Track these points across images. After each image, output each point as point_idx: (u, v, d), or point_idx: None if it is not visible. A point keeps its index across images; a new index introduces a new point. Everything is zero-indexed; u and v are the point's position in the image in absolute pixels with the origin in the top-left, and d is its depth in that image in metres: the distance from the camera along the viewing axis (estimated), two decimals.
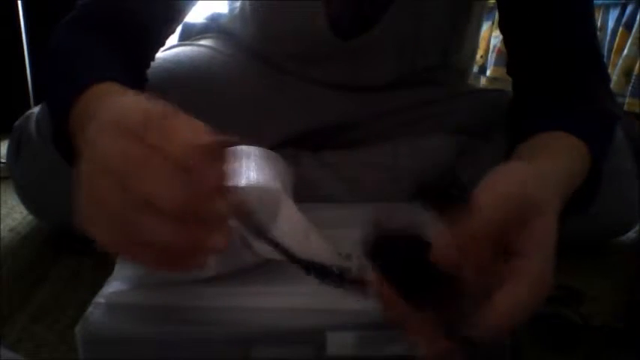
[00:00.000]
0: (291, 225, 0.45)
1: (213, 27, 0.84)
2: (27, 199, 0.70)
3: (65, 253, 0.68)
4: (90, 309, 0.40)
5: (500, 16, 0.66)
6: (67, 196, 0.64)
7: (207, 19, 0.86)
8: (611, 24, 1.94)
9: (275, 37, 0.74)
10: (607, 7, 1.97)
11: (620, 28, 1.89)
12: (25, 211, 0.84)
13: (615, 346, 0.48)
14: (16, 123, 0.69)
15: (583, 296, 0.52)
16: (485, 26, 2.83)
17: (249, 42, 0.78)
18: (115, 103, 0.36)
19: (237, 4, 0.80)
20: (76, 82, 0.46)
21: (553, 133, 0.48)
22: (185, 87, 0.69)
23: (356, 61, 0.74)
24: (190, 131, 0.33)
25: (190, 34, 0.84)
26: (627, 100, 1.87)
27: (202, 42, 0.80)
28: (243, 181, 0.46)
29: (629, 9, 1.86)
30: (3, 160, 1.13)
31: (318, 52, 0.73)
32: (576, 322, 0.52)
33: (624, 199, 0.68)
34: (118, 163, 0.31)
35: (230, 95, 0.71)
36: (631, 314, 0.53)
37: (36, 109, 0.69)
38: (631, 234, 0.76)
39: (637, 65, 1.79)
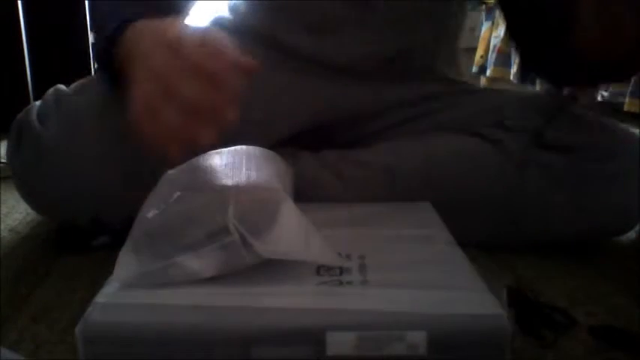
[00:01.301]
0: (291, 225, 0.45)
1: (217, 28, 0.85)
2: (26, 190, 0.70)
3: (65, 252, 0.68)
4: (90, 309, 0.40)
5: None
6: (66, 185, 0.65)
7: (211, 23, 0.87)
8: None
9: (282, 9, 0.75)
10: None
11: None
12: (25, 211, 0.84)
13: (615, 346, 0.48)
14: (17, 116, 0.69)
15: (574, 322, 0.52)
16: (486, 26, 2.84)
17: (256, 26, 0.79)
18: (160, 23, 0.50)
19: None
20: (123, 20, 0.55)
21: None
22: None
23: (357, 33, 0.75)
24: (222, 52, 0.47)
25: None
26: (627, 100, 1.87)
27: None
28: (243, 181, 0.46)
29: None
30: (3, 160, 1.13)
31: (322, 24, 0.75)
32: (574, 319, 0.52)
33: (624, 199, 0.68)
34: (156, 66, 0.46)
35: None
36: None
37: (37, 102, 0.69)
38: (631, 234, 0.76)
39: None
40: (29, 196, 0.70)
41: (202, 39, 0.48)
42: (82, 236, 0.70)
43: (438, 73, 0.85)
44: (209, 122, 0.46)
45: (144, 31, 0.51)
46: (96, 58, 0.63)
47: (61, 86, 0.70)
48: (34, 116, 0.66)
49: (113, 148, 0.63)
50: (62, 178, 0.64)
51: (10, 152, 0.69)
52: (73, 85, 0.70)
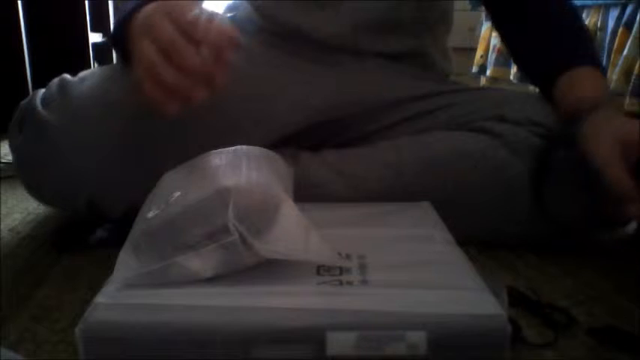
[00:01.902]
0: (291, 225, 0.45)
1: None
2: (26, 174, 0.70)
3: (65, 253, 0.68)
4: (90, 309, 0.40)
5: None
6: (65, 167, 0.66)
7: None
8: (611, 24, 1.94)
9: None
10: (607, 7, 1.97)
11: (620, 28, 1.88)
12: (25, 211, 0.84)
13: (615, 346, 0.48)
14: (21, 103, 0.70)
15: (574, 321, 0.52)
16: (486, 26, 2.84)
17: (256, 17, 0.80)
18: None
19: None
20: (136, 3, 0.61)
21: (577, 70, 0.71)
22: None
23: (349, 5, 0.77)
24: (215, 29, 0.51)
25: None
26: (627, 100, 1.87)
27: None
28: (243, 181, 0.46)
29: (629, 9, 1.86)
30: (3, 160, 1.13)
31: None
32: (575, 319, 0.52)
33: None
34: (158, 33, 0.51)
35: (236, 86, 0.71)
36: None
37: (41, 90, 0.70)
38: (631, 233, 0.76)
39: (637, 65, 1.79)
40: (29, 180, 0.71)
41: (199, 12, 0.52)
42: (81, 235, 0.70)
43: (430, 64, 0.85)
44: (200, 83, 0.52)
45: (152, 6, 0.55)
46: (110, 38, 0.69)
47: (67, 75, 0.71)
48: (38, 101, 0.67)
49: (115, 134, 0.64)
50: (63, 162, 0.65)
51: (12, 137, 0.69)
52: (77, 75, 0.71)
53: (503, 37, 0.85)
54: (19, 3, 1.50)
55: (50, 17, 1.66)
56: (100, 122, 0.65)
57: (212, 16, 0.52)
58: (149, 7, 0.55)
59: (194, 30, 0.51)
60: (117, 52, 0.68)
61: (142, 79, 0.53)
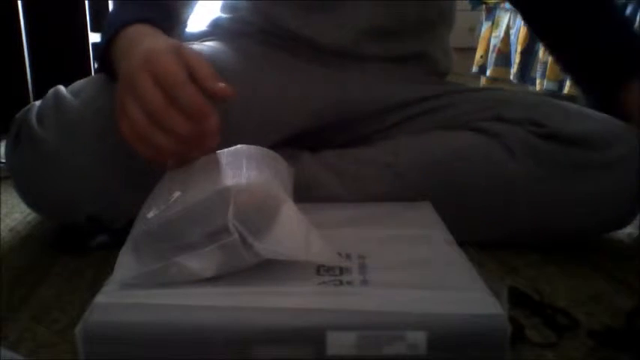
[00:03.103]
0: (291, 225, 0.45)
1: (214, 31, 0.85)
2: (23, 189, 0.70)
3: (65, 253, 0.68)
4: (90, 309, 0.40)
5: None
6: (63, 187, 0.65)
7: (208, 25, 0.87)
8: None
9: None
10: None
11: None
12: (25, 211, 0.84)
13: (615, 347, 0.48)
14: (17, 115, 0.69)
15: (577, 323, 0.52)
16: (486, 26, 2.83)
17: (254, 18, 0.81)
18: (147, 45, 0.52)
19: None
20: (120, 20, 0.61)
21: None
22: None
23: (349, 11, 0.77)
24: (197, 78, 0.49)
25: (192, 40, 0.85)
26: None
27: (206, 43, 0.80)
28: (243, 181, 0.46)
29: (629, 9, 1.86)
30: (3, 160, 1.13)
31: (318, 3, 0.77)
32: (577, 321, 0.52)
33: (622, 187, 0.67)
34: (145, 97, 0.48)
35: (236, 86, 0.71)
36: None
37: (37, 103, 0.70)
38: (632, 233, 0.76)
39: None
40: (26, 195, 0.70)
41: (184, 68, 0.49)
42: (82, 236, 0.70)
43: (433, 64, 0.85)
44: (193, 148, 0.51)
45: (136, 62, 0.51)
46: (95, 54, 0.68)
47: (61, 87, 0.70)
48: (33, 117, 0.66)
49: (110, 151, 0.64)
50: (59, 181, 0.65)
51: (8, 151, 0.69)
52: (71, 87, 0.70)
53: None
54: (19, 3, 1.50)
55: (50, 17, 1.66)
56: (97, 140, 0.64)
57: (197, 66, 0.50)
58: (133, 62, 0.51)
59: (177, 95, 0.48)
60: (104, 72, 0.67)
61: (129, 143, 0.51)
